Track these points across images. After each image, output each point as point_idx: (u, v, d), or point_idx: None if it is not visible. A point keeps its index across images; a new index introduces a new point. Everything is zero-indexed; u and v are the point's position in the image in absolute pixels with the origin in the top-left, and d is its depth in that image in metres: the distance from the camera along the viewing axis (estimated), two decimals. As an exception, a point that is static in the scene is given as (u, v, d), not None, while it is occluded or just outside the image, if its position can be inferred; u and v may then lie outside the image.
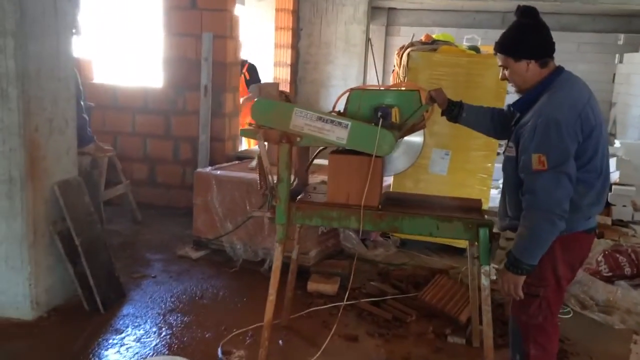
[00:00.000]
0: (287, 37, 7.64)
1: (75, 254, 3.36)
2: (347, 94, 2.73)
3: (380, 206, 2.72)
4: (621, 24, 10.09)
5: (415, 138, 2.89)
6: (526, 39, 2.26)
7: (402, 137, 2.76)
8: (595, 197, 2.27)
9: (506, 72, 2.34)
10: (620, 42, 10.23)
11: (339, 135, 2.59)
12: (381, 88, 2.72)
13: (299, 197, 2.90)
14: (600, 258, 4.28)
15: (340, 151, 2.77)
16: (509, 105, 2.53)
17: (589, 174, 2.21)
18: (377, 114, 2.56)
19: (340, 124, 2.58)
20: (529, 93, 2.31)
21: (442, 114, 2.73)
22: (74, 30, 3.41)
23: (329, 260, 4.26)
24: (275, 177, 2.70)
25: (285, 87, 7.69)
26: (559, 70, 2.30)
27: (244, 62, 6.55)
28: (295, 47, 7.76)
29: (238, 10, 6.25)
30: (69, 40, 3.37)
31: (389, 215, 2.69)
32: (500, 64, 2.35)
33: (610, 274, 4.21)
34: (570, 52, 10.36)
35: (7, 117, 3.04)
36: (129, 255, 4.40)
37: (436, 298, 3.54)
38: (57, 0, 3.21)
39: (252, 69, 6.63)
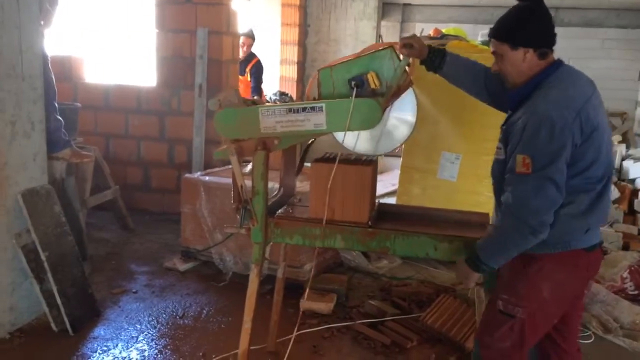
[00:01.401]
0: (294, 34, 7.33)
1: (41, 270, 3.08)
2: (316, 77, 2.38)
3: (370, 222, 2.38)
4: (648, 19, 9.59)
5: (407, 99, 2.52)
6: (526, 24, 1.95)
7: (392, 101, 2.39)
8: (594, 207, 1.95)
9: (500, 63, 2.03)
10: (647, 38, 9.74)
11: (316, 121, 2.24)
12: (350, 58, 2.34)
13: (280, 210, 2.57)
14: (625, 274, 3.88)
15: (324, 159, 2.43)
16: None
17: (588, 179, 1.92)
18: (351, 85, 2.21)
19: (313, 108, 2.23)
20: (522, 87, 2.00)
21: (421, 64, 2.33)
22: (41, 23, 3.12)
23: (326, 274, 3.92)
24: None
25: (292, 86, 7.38)
26: (557, 63, 2.00)
27: (251, 58, 6.26)
28: (302, 44, 7.45)
29: (243, 5, 5.98)
30: (36, 35, 3.08)
31: (380, 233, 2.34)
32: (493, 50, 2.03)
33: (637, 292, 3.81)
34: (594, 49, 9.90)
35: (-39, 120, 2.76)
36: (112, 267, 4.11)
37: (440, 321, 3.18)
38: (20, -8, 2.92)
39: (257, 70, 6.29)
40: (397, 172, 4.57)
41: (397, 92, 2.37)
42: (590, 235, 1.99)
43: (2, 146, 2.90)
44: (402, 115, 2.57)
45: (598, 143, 1.92)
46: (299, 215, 2.51)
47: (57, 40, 4.86)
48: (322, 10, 7.45)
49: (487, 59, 4.24)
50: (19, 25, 2.93)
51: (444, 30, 4.57)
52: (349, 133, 2.36)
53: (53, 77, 3.50)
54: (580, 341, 3.24)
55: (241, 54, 6.05)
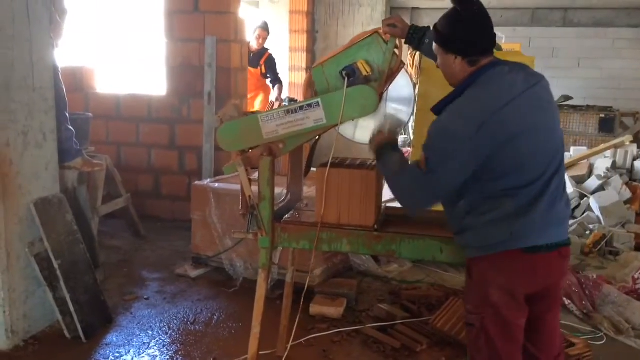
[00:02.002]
0: (302, 40, 7.38)
1: (54, 278, 3.12)
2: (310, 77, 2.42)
3: (376, 226, 2.39)
4: (659, 18, 9.51)
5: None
6: (455, 32, 1.96)
7: (387, 85, 2.40)
8: (527, 210, 1.89)
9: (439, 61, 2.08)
10: (659, 37, 9.66)
11: (316, 117, 2.30)
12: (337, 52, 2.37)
13: (287, 215, 2.59)
14: (637, 275, 3.85)
15: (331, 164, 2.45)
16: None
17: (510, 186, 1.90)
18: (342, 75, 2.25)
19: (310, 105, 2.29)
20: (451, 92, 2.02)
21: (405, 42, 2.34)
22: (52, 35, 3.18)
23: (335, 279, 3.93)
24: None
25: (301, 92, 7.40)
26: (485, 67, 1.96)
27: (264, 51, 6.37)
28: (311, 51, 7.49)
29: (253, 13, 6.03)
30: (47, 47, 3.14)
31: (386, 237, 2.36)
32: (434, 47, 2.07)
33: (649, 293, 3.77)
34: (605, 49, 9.84)
35: (-25, 131, 2.82)
36: (125, 274, 4.15)
37: (450, 324, 3.18)
38: (30, 6, 2.97)
39: (270, 62, 6.42)
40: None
41: (391, 75, 2.38)
42: (528, 236, 1.91)
43: (15, 156, 2.96)
44: (400, 97, 2.58)
45: (521, 150, 1.88)
46: (306, 220, 2.53)
47: (68, 51, 4.93)
48: (330, 17, 7.49)
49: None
50: (30, 38, 2.99)
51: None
52: (353, 124, 2.40)
53: (64, 87, 3.56)
54: (592, 342, 3.24)
55: (256, 46, 6.23)
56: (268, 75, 6.47)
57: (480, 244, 1.98)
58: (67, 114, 3.58)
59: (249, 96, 6.45)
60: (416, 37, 2.28)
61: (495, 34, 2.00)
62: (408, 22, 2.43)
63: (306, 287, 2.70)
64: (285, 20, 7.43)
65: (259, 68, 6.36)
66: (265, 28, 6.31)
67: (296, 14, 7.33)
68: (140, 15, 6.21)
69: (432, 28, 2.09)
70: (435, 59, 2.21)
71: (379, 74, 2.27)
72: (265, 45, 6.42)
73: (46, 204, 3.15)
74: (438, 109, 2.03)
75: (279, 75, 6.55)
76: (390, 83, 2.43)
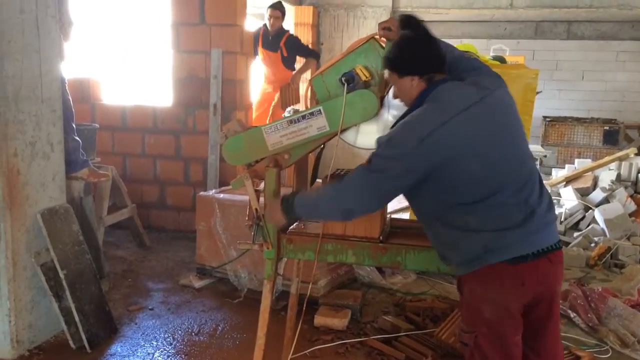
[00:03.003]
0: (307, 52, 7.40)
1: (60, 288, 3.14)
2: (310, 88, 2.45)
3: (381, 237, 2.40)
4: (663, 31, 9.54)
5: None
6: (407, 54, 2.04)
7: (387, 89, 2.39)
8: (492, 223, 1.91)
9: (395, 89, 2.15)
10: (663, 50, 9.68)
11: (319, 125, 2.32)
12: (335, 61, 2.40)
13: (292, 226, 2.60)
14: (643, 287, 3.83)
15: (335, 175, 2.47)
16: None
17: (464, 201, 1.92)
18: (342, 81, 2.28)
19: (312, 114, 2.31)
20: (406, 111, 2.08)
21: None
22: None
23: (340, 290, 3.93)
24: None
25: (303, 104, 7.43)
26: (439, 82, 2.02)
27: (283, 33, 6.12)
28: (316, 63, 7.51)
29: (257, 25, 6.06)
30: (55, 59, 3.17)
31: (391, 248, 2.36)
32: (386, 78, 2.14)
33: (655, 306, 3.75)
34: (609, 62, 9.86)
35: (-17, 142, 2.84)
36: (129, 284, 4.16)
37: (455, 336, 3.17)
38: (40, 18, 3.01)
39: (292, 42, 6.09)
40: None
41: None
42: (507, 248, 1.90)
43: (22, 166, 2.98)
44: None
45: (469, 165, 1.89)
46: (312, 231, 2.53)
47: (75, 63, 4.98)
48: (335, 29, 7.53)
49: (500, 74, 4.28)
50: (39, 49, 3.02)
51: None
52: (355, 130, 2.40)
53: (70, 99, 3.59)
54: (598, 356, 3.22)
55: (271, 27, 6.02)
56: (291, 60, 6.07)
57: (460, 260, 1.99)
58: (74, 125, 3.61)
59: (269, 88, 6.26)
60: None
61: (444, 54, 2.08)
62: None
63: (307, 297, 2.71)
64: (290, 32, 7.47)
65: (278, 52, 6.04)
66: (276, 7, 5.97)
67: (301, 26, 7.37)
68: (146, 27, 6.27)
69: (384, 59, 2.13)
70: None
71: (378, 78, 2.30)
72: (285, 28, 6.15)
73: (53, 214, 3.17)
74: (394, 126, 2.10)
75: (311, 49, 6.22)
76: (391, 87, 2.45)
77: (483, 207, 1.91)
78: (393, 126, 2.10)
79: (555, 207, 5.91)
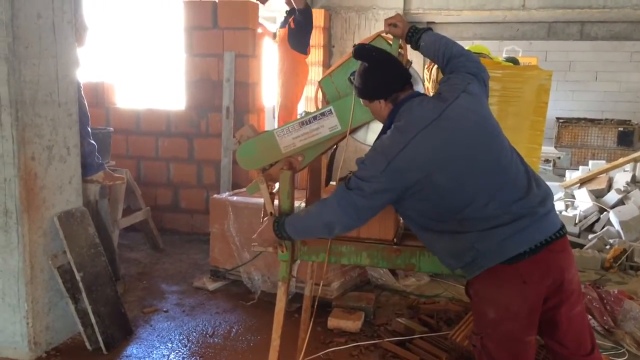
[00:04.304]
0: (319, 55, 7.41)
1: (76, 290, 3.17)
2: (319, 89, 2.47)
3: (395, 239, 2.40)
4: (678, 31, 9.45)
5: None
6: (368, 82, 2.17)
7: None
8: (465, 226, 1.94)
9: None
10: (678, 50, 9.59)
11: (331, 125, 2.34)
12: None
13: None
14: (659, 290, 3.80)
15: (349, 178, 2.47)
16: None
17: (447, 211, 1.97)
18: (351, 81, 2.31)
19: (323, 114, 2.34)
20: (380, 131, 2.20)
21: (406, 42, 2.36)
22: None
23: (353, 292, 3.93)
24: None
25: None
26: (403, 100, 2.12)
27: (292, 11, 5.78)
28: (327, 65, 7.52)
29: (269, 28, 6.06)
30: (71, 64, 3.21)
31: (406, 250, 2.36)
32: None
33: (672, 308, 3.71)
34: (623, 62, 9.79)
35: (1, 145, 2.88)
36: (144, 286, 4.19)
37: (468, 339, 3.16)
38: (56, 24, 3.05)
39: (303, 18, 5.64)
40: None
41: None
42: (501, 249, 1.90)
43: (40, 170, 3.02)
44: None
45: (435, 181, 1.94)
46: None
47: (89, 67, 5.04)
48: (346, 31, 7.54)
49: (512, 76, 4.26)
50: (56, 54, 3.06)
51: (467, 48, 4.58)
52: (365, 129, 2.43)
53: (86, 103, 3.63)
54: (614, 358, 3.20)
55: (285, 3, 5.80)
56: (297, 37, 5.65)
57: (460, 265, 2.01)
58: (90, 129, 3.65)
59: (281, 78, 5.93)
60: (414, 39, 2.31)
61: (405, 69, 2.19)
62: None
63: (317, 298, 2.72)
64: (302, 35, 7.49)
65: (286, 27, 5.74)
66: None
67: (313, 29, 7.38)
68: (159, 31, 6.31)
69: (354, 88, 2.23)
70: (432, 59, 2.34)
71: None
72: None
73: (69, 217, 3.20)
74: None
75: (305, 33, 5.77)
76: None
77: (460, 217, 1.95)
78: (376, 140, 2.16)
79: (569, 209, 5.92)
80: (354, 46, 2.19)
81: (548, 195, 2.02)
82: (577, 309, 2.06)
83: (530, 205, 1.94)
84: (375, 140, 2.14)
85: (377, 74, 2.15)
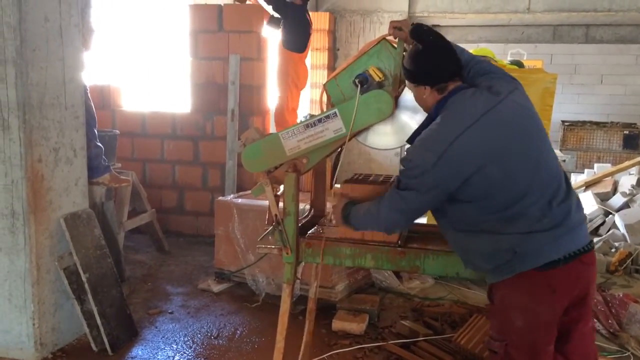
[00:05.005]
0: (324, 58, 7.44)
1: (82, 291, 3.19)
2: (324, 92, 2.46)
3: (400, 242, 2.41)
4: (684, 34, 9.42)
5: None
6: (418, 66, 2.08)
7: (401, 88, 2.38)
8: (516, 230, 1.91)
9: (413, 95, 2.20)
10: (684, 53, 9.57)
11: (335, 128, 2.34)
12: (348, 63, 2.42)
13: (311, 230, 2.62)
14: (665, 294, 3.79)
15: (354, 180, 2.49)
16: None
17: (490, 210, 1.94)
18: (355, 83, 2.31)
19: (328, 117, 2.33)
20: (422, 123, 2.14)
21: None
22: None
23: (357, 294, 3.94)
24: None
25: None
26: (452, 92, 2.04)
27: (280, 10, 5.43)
28: (332, 68, 7.54)
29: (274, 32, 6.07)
30: (78, 67, 3.23)
31: (410, 252, 2.37)
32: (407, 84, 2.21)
33: (677, 311, 3.70)
34: (628, 65, 9.77)
35: (9, 148, 2.91)
36: (149, 288, 4.21)
37: (473, 342, 3.16)
38: (63, 27, 3.08)
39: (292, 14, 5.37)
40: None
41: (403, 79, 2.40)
42: (538, 254, 1.90)
43: (46, 172, 3.04)
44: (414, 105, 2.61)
45: (492, 175, 1.90)
46: (330, 235, 2.55)
47: (96, 70, 5.07)
48: (351, 34, 7.56)
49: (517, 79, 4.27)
50: (63, 57, 3.09)
51: (471, 51, 4.60)
52: (375, 132, 2.41)
53: (92, 105, 3.65)
54: (619, 362, 3.19)
55: None
56: (286, 31, 5.40)
57: (491, 267, 1.99)
58: (96, 131, 3.67)
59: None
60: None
61: (459, 59, 2.10)
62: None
63: (315, 297, 2.72)
64: (307, 39, 7.51)
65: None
66: None
67: (318, 32, 7.40)
68: (165, 34, 6.34)
69: (402, 67, 2.17)
70: None
71: (392, 79, 2.32)
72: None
73: (75, 219, 3.22)
74: (411, 140, 2.15)
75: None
76: (404, 86, 2.46)
77: (509, 214, 1.91)
78: (415, 133, 2.11)
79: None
80: (411, 25, 2.14)
81: (580, 205, 2.03)
82: (589, 326, 2.09)
83: (569, 213, 1.94)
84: (423, 126, 2.08)
85: (429, 59, 2.06)
